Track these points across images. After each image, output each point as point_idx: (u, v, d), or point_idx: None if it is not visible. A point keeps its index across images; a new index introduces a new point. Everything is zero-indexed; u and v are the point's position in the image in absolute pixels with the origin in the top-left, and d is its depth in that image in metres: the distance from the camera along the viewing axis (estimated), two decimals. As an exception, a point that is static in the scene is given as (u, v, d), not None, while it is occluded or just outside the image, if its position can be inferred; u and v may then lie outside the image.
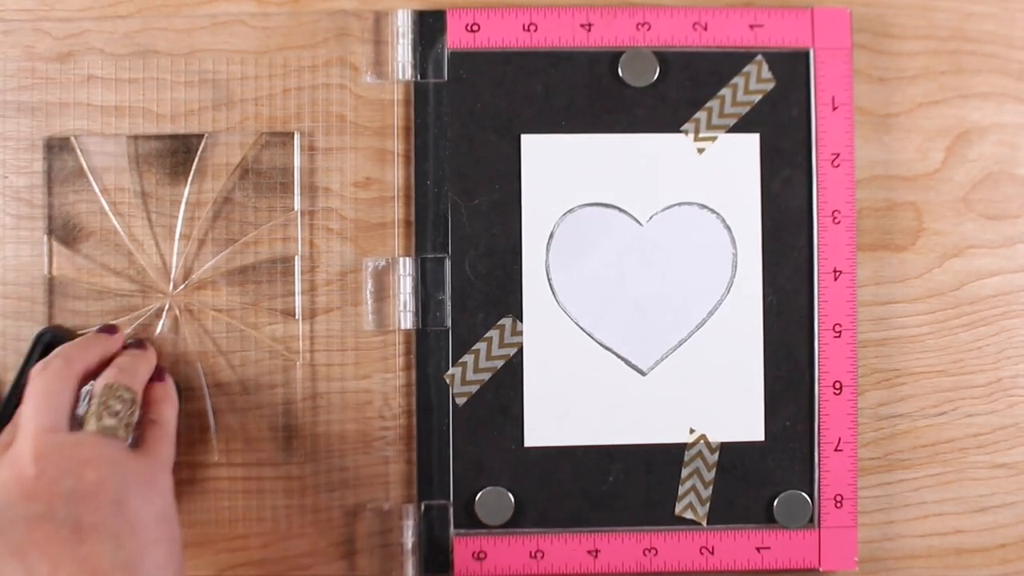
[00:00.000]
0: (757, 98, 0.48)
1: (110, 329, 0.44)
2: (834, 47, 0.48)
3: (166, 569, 0.38)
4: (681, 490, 0.48)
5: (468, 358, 0.47)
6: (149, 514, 0.38)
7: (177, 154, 0.47)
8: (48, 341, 0.45)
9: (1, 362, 0.47)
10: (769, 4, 0.48)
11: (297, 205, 0.47)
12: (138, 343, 0.45)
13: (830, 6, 0.48)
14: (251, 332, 0.47)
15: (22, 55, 0.47)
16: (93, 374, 0.42)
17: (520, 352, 0.47)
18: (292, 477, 0.47)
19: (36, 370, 0.41)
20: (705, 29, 0.48)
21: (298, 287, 0.47)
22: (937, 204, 0.49)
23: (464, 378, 0.47)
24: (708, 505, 0.48)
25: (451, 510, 0.47)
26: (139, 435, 0.42)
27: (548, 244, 0.48)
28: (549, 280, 0.48)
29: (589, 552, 0.47)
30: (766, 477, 0.48)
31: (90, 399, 0.41)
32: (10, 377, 0.47)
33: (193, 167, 0.47)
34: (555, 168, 0.48)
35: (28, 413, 0.39)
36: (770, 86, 0.48)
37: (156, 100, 0.47)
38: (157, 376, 0.44)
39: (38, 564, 0.36)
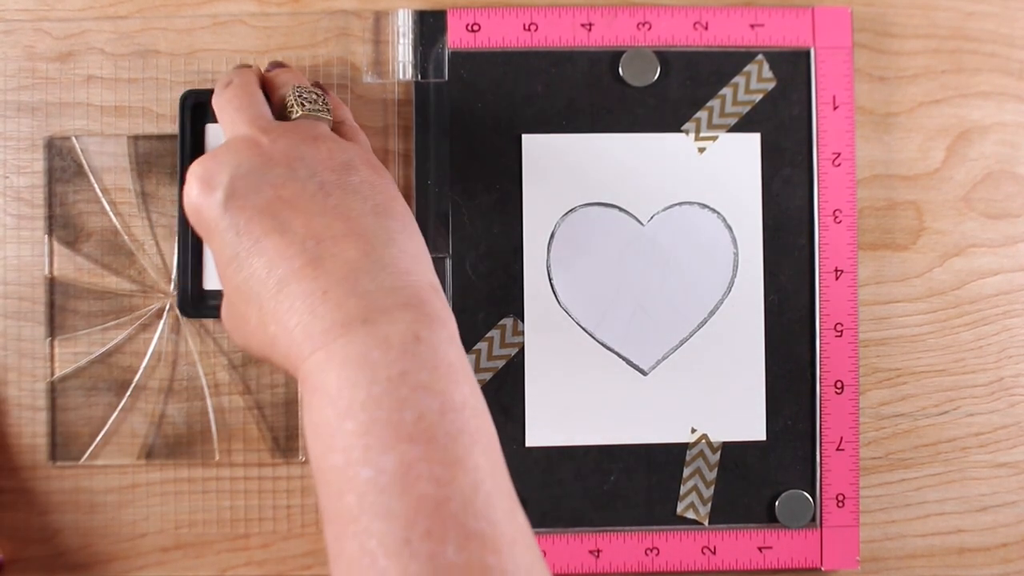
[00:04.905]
0: (758, 97, 0.48)
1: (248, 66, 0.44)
2: (835, 46, 0.48)
3: (408, 216, 0.38)
4: (683, 490, 0.47)
5: (469, 358, 0.47)
6: (380, 178, 0.39)
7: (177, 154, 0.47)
8: (193, 103, 0.45)
9: (1, 362, 0.47)
10: (770, 3, 0.48)
11: (298, 205, 0.47)
12: (280, 64, 0.44)
13: (831, 5, 0.48)
14: (252, 332, 0.47)
15: (22, 55, 0.47)
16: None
17: (521, 352, 0.47)
18: (292, 477, 0.47)
19: (219, 89, 0.41)
20: (706, 28, 0.48)
21: (299, 287, 0.47)
22: (938, 203, 0.49)
23: (465, 378, 0.47)
24: (710, 505, 0.47)
25: (452, 510, 0.47)
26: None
27: (549, 244, 0.48)
28: (550, 280, 0.48)
29: (591, 552, 0.47)
30: (768, 477, 0.48)
31: (282, 98, 0.41)
32: (10, 378, 0.47)
33: (193, 167, 0.47)
34: (556, 168, 0.48)
35: (232, 112, 0.39)
36: (771, 85, 0.48)
37: (156, 100, 0.47)
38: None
39: (291, 218, 0.36)
